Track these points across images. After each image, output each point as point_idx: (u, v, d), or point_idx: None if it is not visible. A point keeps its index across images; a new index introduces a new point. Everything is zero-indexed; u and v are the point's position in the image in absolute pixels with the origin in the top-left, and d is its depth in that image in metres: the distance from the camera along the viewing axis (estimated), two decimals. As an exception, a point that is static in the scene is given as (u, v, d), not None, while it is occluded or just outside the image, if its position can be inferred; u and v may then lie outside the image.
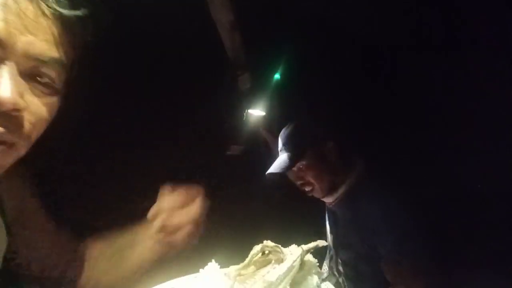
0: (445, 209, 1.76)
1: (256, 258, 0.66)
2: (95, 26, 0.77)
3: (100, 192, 1.60)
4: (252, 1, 1.78)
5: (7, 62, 0.62)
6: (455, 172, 1.80)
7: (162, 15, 1.72)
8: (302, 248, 0.69)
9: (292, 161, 1.62)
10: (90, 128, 1.60)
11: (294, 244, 0.70)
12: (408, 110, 1.91)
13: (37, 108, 0.68)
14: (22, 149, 0.70)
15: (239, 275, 0.65)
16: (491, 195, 1.73)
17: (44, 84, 0.68)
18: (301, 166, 1.63)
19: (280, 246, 0.68)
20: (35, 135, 0.71)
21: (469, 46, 1.72)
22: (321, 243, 0.71)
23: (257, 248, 0.67)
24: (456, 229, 1.74)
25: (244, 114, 2.04)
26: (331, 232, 1.75)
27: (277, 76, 1.98)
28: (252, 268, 0.66)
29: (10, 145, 0.66)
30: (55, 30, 0.68)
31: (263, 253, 0.67)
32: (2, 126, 0.63)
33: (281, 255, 0.66)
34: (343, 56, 1.92)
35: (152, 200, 0.99)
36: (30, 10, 0.64)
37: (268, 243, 0.67)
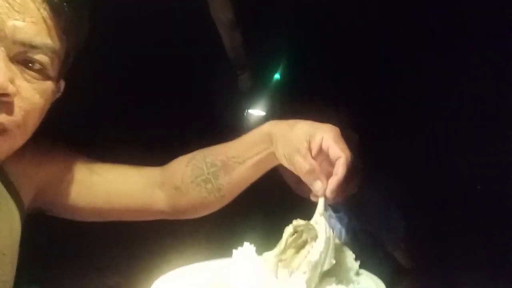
0: (446, 209, 1.76)
1: (291, 239, 0.66)
2: (90, 15, 0.76)
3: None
4: (252, 1, 1.78)
5: None
6: (455, 173, 1.80)
7: (161, 14, 1.71)
8: (320, 214, 0.68)
9: None
10: (87, 127, 1.60)
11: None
12: (408, 109, 1.91)
13: (29, 94, 0.67)
14: (17, 138, 0.69)
15: (280, 260, 0.64)
16: (491, 195, 1.73)
17: (36, 70, 0.67)
18: None
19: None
20: (30, 124, 0.70)
21: (469, 45, 1.72)
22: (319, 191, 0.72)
23: (289, 229, 0.66)
24: (456, 229, 1.74)
25: (244, 114, 2.03)
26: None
27: (277, 76, 1.97)
28: (290, 251, 0.65)
29: (1, 132, 0.64)
30: (45, 15, 0.67)
31: (296, 232, 0.66)
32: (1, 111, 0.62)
33: (314, 231, 0.65)
34: (344, 56, 1.92)
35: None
36: None
37: (299, 221, 0.67)
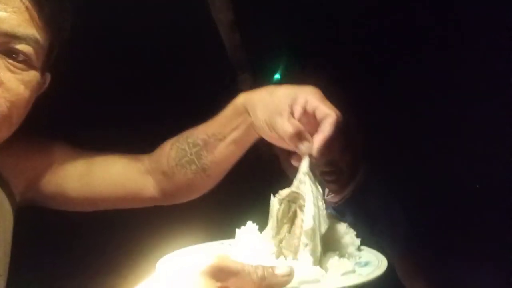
0: (448, 209, 1.76)
1: (280, 214, 0.65)
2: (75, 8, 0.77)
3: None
4: (252, 1, 1.80)
5: None
6: (456, 172, 1.80)
7: (162, 14, 1.73)
8: (304, 173, 0.67)
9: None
10: (85, 125, 1.60)
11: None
12: (409, 108, 1.92)
13: (13, 85, 0.68)
14: (2, 129, 0.69)
15: (280, 242, 0.64)
16: (492, 195, 1.73)
17: (20, 61, 0.68)
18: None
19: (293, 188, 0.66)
20: (16, 115, 0.71)
21: (468, 45, 1.74)
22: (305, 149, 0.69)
23: (275, 204, 0.65)
24: (458, 228, 1.73)
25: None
26: None
27: (277, 76, 1.98)
28: (286, 227, 0.65)
29: None
30: (27, 5, 0.68)
31: (282, 204, 0.66)
32: None
33: (301, 198, 0.65)
34: (344, 56, 1.93)
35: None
36: None
37: (282, 193, 0.66)
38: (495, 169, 1.74)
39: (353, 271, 0.62)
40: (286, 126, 0.71)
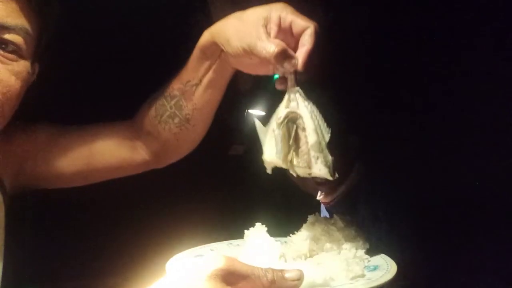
0: (445, 212, 1.76)
1: (283, 138, 0.64)
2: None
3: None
4: (253, 2, 1.79)
5: None
6: (454, 174, 1.81)
7: (162, 15, 1.72)
8: (294, 90, 0.67)
9: None
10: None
11: None
12: (407, 110, 1.92)
13: (4, 76, 0.68)
14: None
15: (290, 161, 0.63)
16: (491, 197, 1.73)
17: (10, 51, 0.68)
18: None
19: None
20: (7, 107, 0.70)
21: (468, 46, 1.74)
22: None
23: (274, 130, 0.65)
24: (456, 231, 1.73)
25: (244, 114, 2.03)
26: None
27: (277, 76, 1.97)
28: (291, 152, 0.65)
29: None
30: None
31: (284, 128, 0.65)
32: None
33: (296, 115, 0.65)
34: (344, 57, 1.93)
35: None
36: None
37: (279, 114, 0.66)
38: (495, 171, 1.75)
39: (362, 275, 0.62)
40: (269, 47, 0.67)
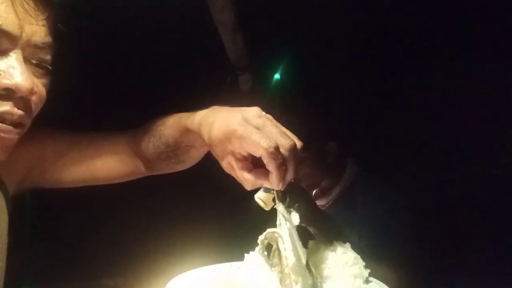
0: (441, 212, 1.77)
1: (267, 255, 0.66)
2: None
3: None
4: (253, 2, 1.78)
5: (15, 51, 0.65)
6: (450, 175, 1.81)
7: (163, 16, 1.71)
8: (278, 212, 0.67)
9: None
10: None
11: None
12: (404, 111, 1.92)
13: (40, 90, 0.70)
14: (26, 130, 0.72)
15: (280, 273, 0.65)
16: (489, 198, 1.74)
17: (42, 67, 0.70)
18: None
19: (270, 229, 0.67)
20: (35, 115, 0.73)
21: (468, 47, 1.73)
22: None
23: (258, 246, 0.67)
24: (452, 232, 1.75)
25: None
26: None
27: (277, 76, 1.97)
28: (275, 260, 0.67)
29: (20, 125, 0.69)
30: (47, 15, 0.70)
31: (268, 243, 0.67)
32: (21, 110, 0.66)
33: (277, 235, 0.66)
34: (344, 57, 1.92)
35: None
36: None
37: (261, 236, 0.67)
38: (493, 172, 1.76)
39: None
40: (245, 182, 0.67)
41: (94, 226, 1.78)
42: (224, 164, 0.71)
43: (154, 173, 0.99)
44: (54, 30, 0.73)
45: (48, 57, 0.71)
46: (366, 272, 0.71)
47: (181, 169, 0.95)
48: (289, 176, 0.64)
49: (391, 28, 1.82)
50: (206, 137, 0.72)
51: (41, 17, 0.69)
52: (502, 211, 1.71)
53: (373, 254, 1.50)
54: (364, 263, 0.71)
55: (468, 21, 1.69)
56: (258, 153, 0.63)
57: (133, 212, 1.85)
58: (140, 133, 0.94)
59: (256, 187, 0.68)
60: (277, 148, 0.62)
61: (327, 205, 1.67)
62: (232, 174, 0.70)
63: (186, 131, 0.82)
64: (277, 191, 0.68)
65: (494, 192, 1.73)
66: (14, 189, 0.88)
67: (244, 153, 0.66)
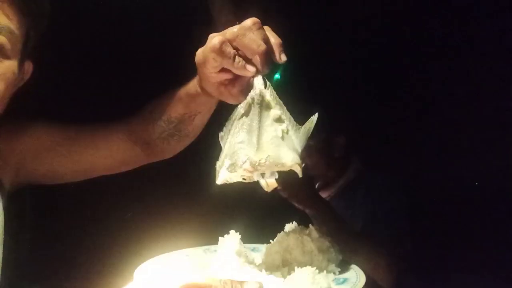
0: (442, 208, 1.75)
1: None
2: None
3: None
4: (252, 2, 1.79)
5: None
6: (452, 171, 1.79)
7: (162, 15, 1.73)
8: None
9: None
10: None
11: None
12: (406, 107, 1.90)
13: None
14: None
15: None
16: (490, 195, 1.72)
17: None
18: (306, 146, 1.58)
19: None
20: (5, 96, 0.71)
21: (469, 46, 1.72)
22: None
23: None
24: (453, 228, 1.72)
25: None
26: None
27: (277, 76, 1.97)
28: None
29: None
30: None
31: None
32: None
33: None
34: (344, 57, 1.92)
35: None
36: None
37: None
38: (494, 170, 1.73)
39: (328, 289, 0.62)
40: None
41: (92, 226, 1.78)
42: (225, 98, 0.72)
43: (153, 159, 0.98)
44: (21, 13, 0.71)
45: (2, 40, 0.69)
46: (340, 256, 0.70)
47: (183, 148, 0.94)
48: (256, 53, 0.61)
49: (390, 24, 1.81)
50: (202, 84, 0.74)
51: None
52: (503, 210, 1.68)
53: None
54: (338, 247, 0.70)
55: (474, 22, 1.68)
56: (212, 57, 0.63)
57: (132, 212, 1.85)
58: (136, 117, 0.94)
59: (239, 96, 0.67)
60: (223, 41, 0.61)
61: (328, 198, 1.67)
62: (236, 99, 0.70)
63: (189, 98, 0.82)
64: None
65: (494, 191, 1.71)
66: (10, 185, 0.88)
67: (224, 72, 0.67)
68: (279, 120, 0.63)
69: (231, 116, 0.65)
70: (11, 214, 0.88)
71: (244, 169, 0.59)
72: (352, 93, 1.95)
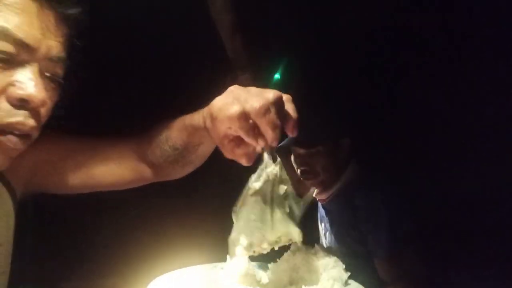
0: (441, 211, 1.77)
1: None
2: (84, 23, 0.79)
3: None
4: (253, 3, 1.78)
5: (31, 63, 0.67)
6: (451, 174, 1.80)
7: (163, 16, 1.73)
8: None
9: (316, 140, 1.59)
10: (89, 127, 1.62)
11: None
12: (405, 110, 1.91)
13: (50, 104, 0.73)
14: (32, 140, 0.74)
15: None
16: (489, 198, 1.73)
17: (54, 81, 0.71)
18: (315, 151, 1.60)
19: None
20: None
21: (469, 49, 1.72)
22: None
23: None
24: (452, 231, 1.74)
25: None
26: (324, 230, 1.77)
27: (277, 76, 1.98)
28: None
29: (27, 136, 0.71)
30: (65, 32, 0.73)
31: None
32: (32, 121, 0.69)
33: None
34: (344, 58, 1.92)
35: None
36: (50, 13, 0.69)
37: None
38: (494, 172, 1.75)
39: (334, 308, 0.63)
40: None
41: (93, 227, 1.79)
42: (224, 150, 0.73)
43: (160, 179, 0.99)
44: (68, 46, 0.75)
45: (61, 72, 0.74)
46: (345, 275, 0.71)
47: (187, 173, 0.96)
48: (270, 132, 0.62)
49: (392, 28, 1.81)
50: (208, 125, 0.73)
51: (60, 33, 0.72)
52: (503, 212, 1.70)
53: (366, 251, 1.53)
54: (344, 266, 0.72)
55: (476, 22, 1.68)
56: (227, 123, 0.64)
57: (132, 213, 1.87)
58: (146, 138, 0.95)
59: (251, 159, 0.69)
60: (242, 114, 0.62)
61: (326, 200, 1.69)
62: (233, 156, 0.71)
63: (193, 130, 0.83)
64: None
65: (495, 193, 1.72)
66: (22, 192, 0.90)
67: (234, 133, 0.68)
68: (287, 196, 0.67)
69: (244, 191, 0.68)
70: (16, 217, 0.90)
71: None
72: (353, 96, 1.96)
